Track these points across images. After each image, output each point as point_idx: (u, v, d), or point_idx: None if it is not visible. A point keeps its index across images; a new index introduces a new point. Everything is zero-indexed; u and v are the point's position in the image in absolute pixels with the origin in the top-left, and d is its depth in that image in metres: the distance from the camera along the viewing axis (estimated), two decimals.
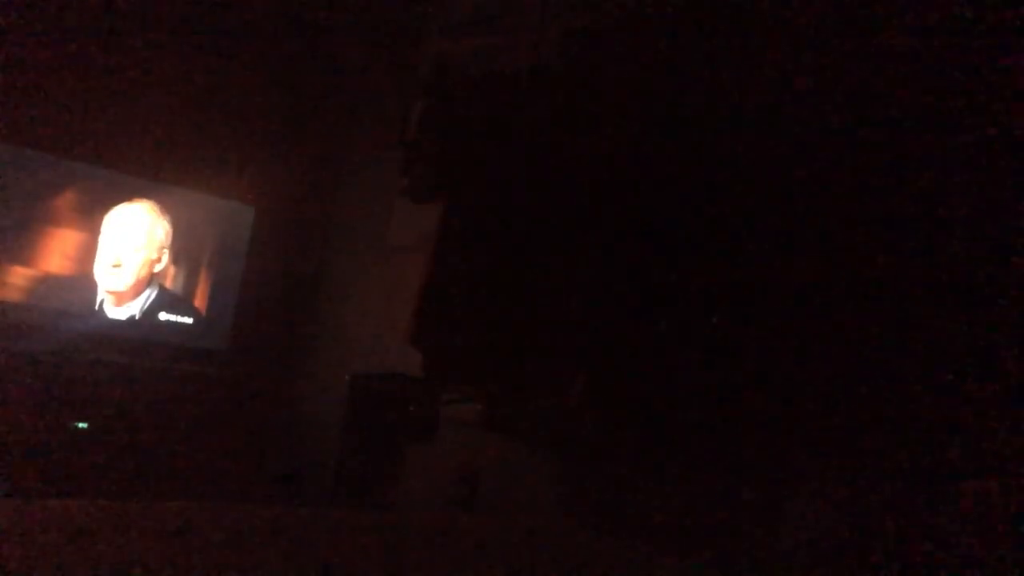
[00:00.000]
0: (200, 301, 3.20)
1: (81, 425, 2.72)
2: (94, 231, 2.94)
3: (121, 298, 3.01)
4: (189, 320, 3.17)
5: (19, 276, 2.81)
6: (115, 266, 2.97)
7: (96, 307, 2.97)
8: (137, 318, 3.04)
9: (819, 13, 1.40)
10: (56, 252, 2.88)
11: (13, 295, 2.80)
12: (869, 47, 1.40)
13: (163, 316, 3.10)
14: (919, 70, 1.34)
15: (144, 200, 3.04)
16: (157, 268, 3.07)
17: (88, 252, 2.94)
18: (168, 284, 3.12)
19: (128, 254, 3.00)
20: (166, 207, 3.08)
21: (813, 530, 1.61)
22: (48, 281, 2.87)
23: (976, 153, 1.30)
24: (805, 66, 1.51)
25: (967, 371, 1.32)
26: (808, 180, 1.58)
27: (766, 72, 1.58)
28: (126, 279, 3.00)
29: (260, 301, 3.29)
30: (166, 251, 3.09)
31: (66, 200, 2.89)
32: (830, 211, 1.56)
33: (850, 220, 1.52)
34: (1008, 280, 1.27)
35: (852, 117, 1.48)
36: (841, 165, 1.53)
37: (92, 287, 2.96)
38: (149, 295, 3.06)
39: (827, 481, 1.58)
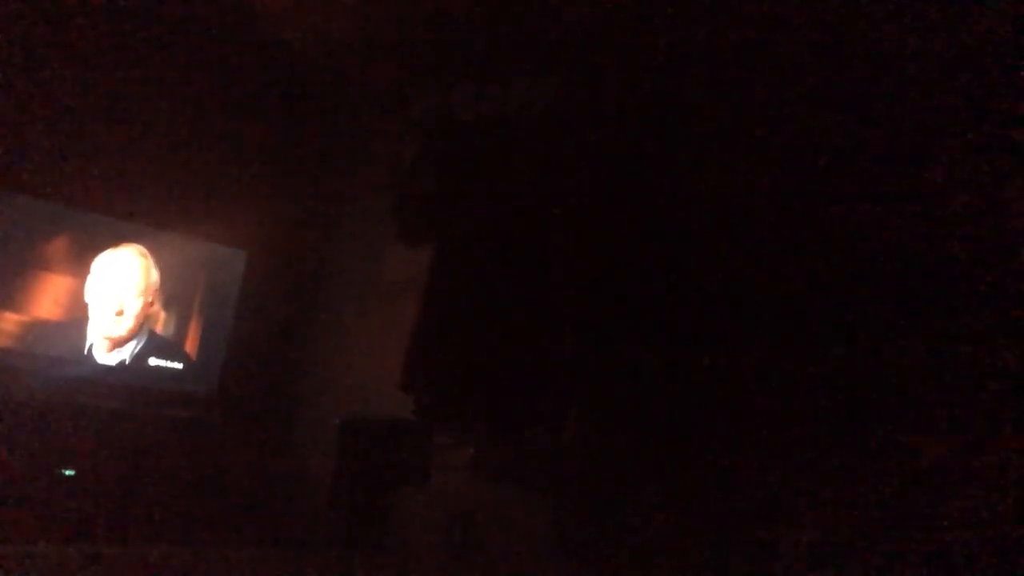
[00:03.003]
0: (191, 346, 3.19)
1: (68, 472, 2.68)
2: (83, 276, 2.94)
3: (113, 343, 3.00)
4: (179, 365, 3.15)
5: (8, 322, 2.80)
6: (118, 313, 2.98)
7: (85, 352, 2.96)
8: (127, 363, 3.02)
9: (819, 14, 1.43)
10: (45, 297, 2.87)
11: (2, 341, 2.78)
12: (869, 48, 1.43)
13: (153, 361, 3.08)
14: (919, 71, 1.37)
15: (136, 244, 3.05)
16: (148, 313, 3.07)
17: (77, 297, 2.93)
18: (159, 329, 3.11)
19: (130, 300, 3.01)
20: (156, 251, 3.09)
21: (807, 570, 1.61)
22: (36, 327, 2.85)
23: (976, 153, 1.33)
24: (804, 68, 1.54)
25: (967, 371, 1.33)
26: (805, 187, 1.60)
27: (766, 77, 1.61)
28: (128, 324, 3.00)
29: (251, 346, 3.28)
30: (157, 296, 3.09)
31: (55, 245, 2.89)
32: (830, 214, 1.58)
33: (850, 223, 1.54)
34: (1008, 280, 1.29)
35: (853, 120, 1.50)
36: (840, 170, 1.55)
37: (81, 332, 2.94)
38: (139, 340, 3.05)
39: (826, 517, 1.58)
